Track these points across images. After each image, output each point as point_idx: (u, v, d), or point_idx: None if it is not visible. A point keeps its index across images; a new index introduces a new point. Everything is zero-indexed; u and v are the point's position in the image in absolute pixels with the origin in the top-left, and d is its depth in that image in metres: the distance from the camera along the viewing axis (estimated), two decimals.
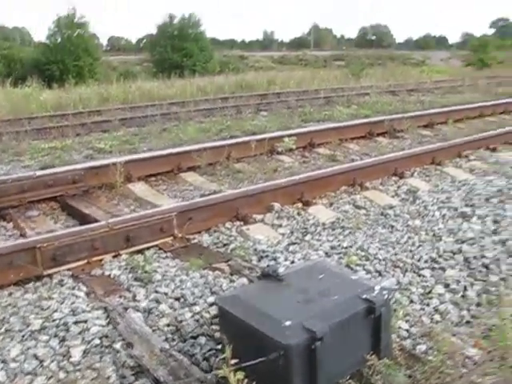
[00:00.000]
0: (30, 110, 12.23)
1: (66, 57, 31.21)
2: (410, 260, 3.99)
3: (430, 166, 6.50)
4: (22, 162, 7.32)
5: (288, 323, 2.17)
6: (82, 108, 12.80)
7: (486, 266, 4.11)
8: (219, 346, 2.71)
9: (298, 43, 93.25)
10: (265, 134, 8.18)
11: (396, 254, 4.06)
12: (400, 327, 3.06)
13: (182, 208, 4.49)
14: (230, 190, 5.42)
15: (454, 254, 4.24)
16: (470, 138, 7.52)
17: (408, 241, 4.34)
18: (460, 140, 7.35)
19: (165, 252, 4.11)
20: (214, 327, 2.94)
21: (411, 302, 3.44)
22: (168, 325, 3.01)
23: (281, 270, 2.79)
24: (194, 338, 2.88)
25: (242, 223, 4.66)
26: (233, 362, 1.99)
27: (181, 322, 3.04)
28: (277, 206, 4.90)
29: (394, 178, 6.04)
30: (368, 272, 3.75)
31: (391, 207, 5.07)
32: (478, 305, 3.55)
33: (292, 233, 4.47)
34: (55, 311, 3.14)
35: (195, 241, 4.35)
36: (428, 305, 3.41)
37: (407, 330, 3.05)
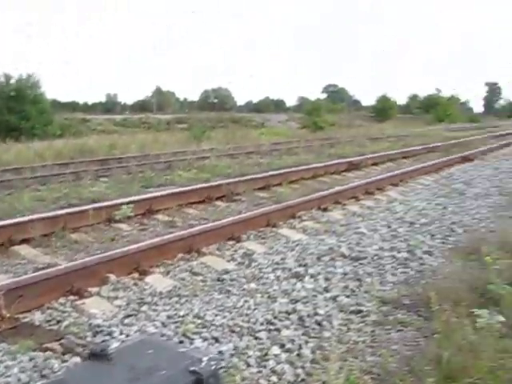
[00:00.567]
0: None
1: None
2: (246, 324, 4.08)
3: (266, 229, 6.73)
4: None
5: None
6: None
7: (319, 323, 4.32)
8: None
9: (141, 106, 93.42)
10: (103, 201, 8.05)
11: (233, 319, 4.14)
12: None
13: (11, 285, 4.27)
14: (65, 263, 5.25)
15: (289, 313, 4.40)
16: (303, 199, 7.94)
17: (244, 304, 4.44)
18: (294, 201, 7.73)
19: None
20: None
21: (248, 365, 3.50)
22: None
23: (113, 346, 2.74)
24: None
25: (76, 297, 4.51)
26: None
27: None
28: (113, 277, 4.81)
29: (230, 242, 6.17)
30: (205, 339, 3.78)
31: (227, 272, 5.17)
32: (313, 362, 3.70)
33: (128, 304, 4.39)
34: None
35: (26, 320, 4.13)
36: (265, 367, 3.50)
37: None
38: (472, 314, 4.41)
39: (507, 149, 20.58)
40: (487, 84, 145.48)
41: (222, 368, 3.22)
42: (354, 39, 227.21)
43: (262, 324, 4.14)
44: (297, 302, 4.63)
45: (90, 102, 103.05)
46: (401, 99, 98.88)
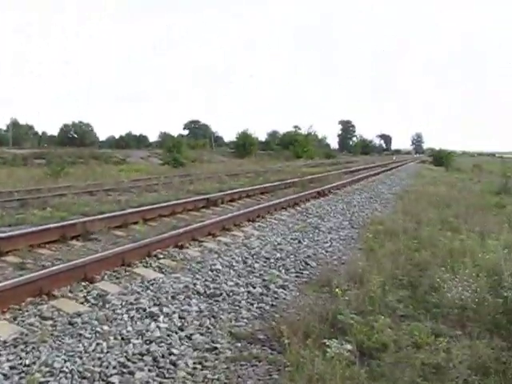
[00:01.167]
0: None
1: None
2: (98, 368, 3.99)
3: (121, 268, 6.61)
4: None
5: None
6: None
7: (174, 363, 4.32)
8: None
9: None
10: None
11: (84, 364, 4.03)
12: None
13: None
14: None
15: (143, 355, 4.37)
16: (159, 237, 7.89)
17: (96, 348, 4.34)
18: (150, 239, 7.67)
19: None
20: None
21: None
22: None
23: None
24: None
25: None
26: None
27: None
28: None
29: (83, 283, 5.99)
30: None
31: (79, 315, 5.02)
32: None
33: None
34: None
35: None
36: None
37: None
38: (323, 344, 4.63)
39: (359, 184, 21.86)
40: (341, 122, 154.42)
41: None
42: (223, 77, 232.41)
43: (114, 368, 4.08)
44: (151, 342, 4.60)
45: None
46: (261, 136, 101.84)
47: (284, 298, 6.18)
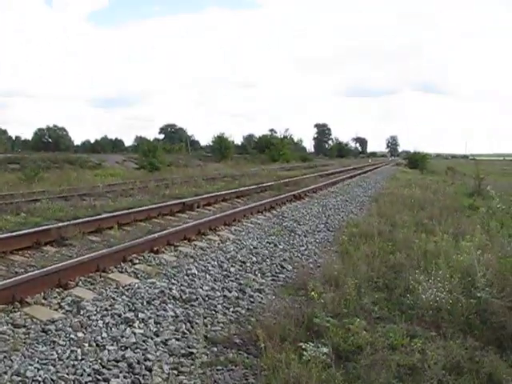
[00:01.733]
0: None
1: None
2: (72, 376, 3.96)
3: (95, 274, 6.54)
4: None
5: None
6: None
7: (150, 369, 4.30)
8: None
9: None
10: None
11: (57, 372, 3.99)
12: None
13: None
14: None
15: (118, 361, 4.34)
16: (134, 242, 7.84)
17: (71, 355, 4.31)
18: (125, 244, 7.61)
19: None
20: None
21: None
22: None
23: None
24: None
25: None
26: None
27: None
28: None
29: (57, 289, 5.92)
30: None
31: (53, 321, 4.96)
32: None
33: None
34: None
35: None
36: None
37: None
38: (299, 347, 4.64)
39: (334, 187, 21.98)
40: (316, 125, 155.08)
41: None
42: (200, 81, 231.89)
43: (89, 375, 4.05)
44: (126, 348, 4.57)
45: None
46: (237, 139, 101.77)
47: (260, 302, 6.19)
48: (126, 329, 4.94)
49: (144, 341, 4.77)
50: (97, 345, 4.56)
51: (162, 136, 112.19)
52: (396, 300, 6.23)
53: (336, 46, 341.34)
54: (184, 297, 5.94)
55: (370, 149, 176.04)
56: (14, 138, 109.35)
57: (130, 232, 9.85)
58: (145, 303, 5.62)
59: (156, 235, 8.35)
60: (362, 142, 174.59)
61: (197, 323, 5.27)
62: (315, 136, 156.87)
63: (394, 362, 4.44)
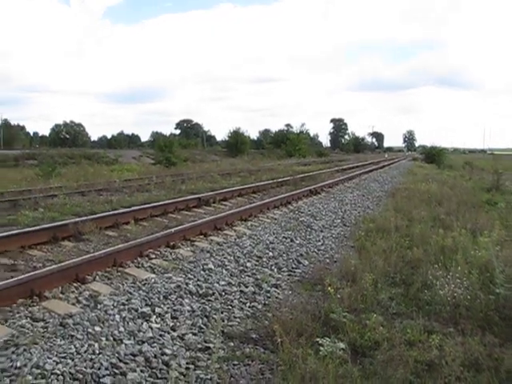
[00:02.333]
0: None
1: None
2: (89, 370, 3.97)
3: (112, 269, 6.58)
4: None
5: None
6: None
7: (166, 363, 4.30)
8: None
9: None
10: None
11: (75, 366, 4.00)
12: None
13: None
14: None
15: (135, 355, 4.35)
16: (151, 237, 7.86)
17: (88, 349, 4.32)
18: (142, 239, 7.64)
19: None
20: None
21: None
22: None
23: None
24: None
25: None
26: None
27: None
28: None
29: (75, 284, 5.96)
30: None
31: (71, 316, 4.98)
32: None
33: None
34: None
35: None
36: None
37: None
38: (316, 343, 4.63)
39: (351, 182, 21.89)
40: (332, 120, 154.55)
41: None
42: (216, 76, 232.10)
43: (106, 369, 4.06)
44: (143, 342, 4.58)
45: None
46: (253, 134, 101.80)
47: (276, 297, 6.18)
48: (142, 323, 4.96)
49: (161, 335, 4.79)
50: (114, 339, 4.58)
51: (178, 131, 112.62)
52: (413, 295, 6.18)
53: (352, 41, 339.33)
54: (201, 291, 5.95)
55: (386, 143, 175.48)
56: (31, 133, 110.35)
57: (147, 227, 9.88)
58: (161, 298, 5.63)
59: (172, 230, 8.38)
60: (379, 136, 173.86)
61: (213, 318, 5.27)
62: (331, 131, 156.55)
63: (412, 357, 4.41)
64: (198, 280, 6.34)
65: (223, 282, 6.36)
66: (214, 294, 5.93)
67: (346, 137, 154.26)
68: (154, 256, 7.33)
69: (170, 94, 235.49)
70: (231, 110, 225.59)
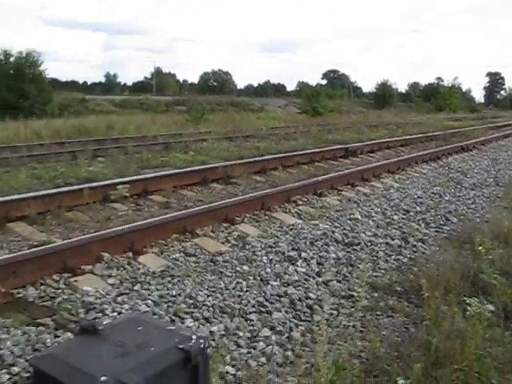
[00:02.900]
0: None
1: None
2: (237, 305, 4.11)
3: (260, 212, 6.74)
4: None
5: (103, 378, 2.15)
6: None
7: (310, 307, 4.35)
8: None
9: (141, 87, 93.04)
10: (99, 181, 8.06)
11: (224, 300, 4.16)
12: (227, 372, 3.14)
13: (6, 261, 4.29)
14: (59, 241, 5.26)
15: (281, 297, 4.44)
16: (299, 184, 7.94)
17: (236, 286, 4.47)
18: (289, 186, 7.73)
19: None
20: None
21: (238, 346, 3.53)
22: None
23: (104, 322, 2.76)
24: None
25: (70, 275, 4.53)
26: None
27: None
28: (106, 256, 4.82)
29: (224, 224, 6.18)
30: (196, 319, 3.81)
31: (221, 254, 5.19)
32: (302, 344, 3.74)
33: (121, 283, 4.42)
34: None
35: (19, 295, 4.15)
36: (255, 348, 3.53)
37: (233, 375, 3.13)
38: (462, 302, 4.45)
39: (506, 140, 20.57)
40: (488, 74, 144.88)
41: (210, 347, 3.25)
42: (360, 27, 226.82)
43: (253, 306, 4.17)
44: (289, 285, 4.66)
45: (89, 82, 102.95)
46: (401, 87, 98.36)
47: (423, 252, 6.00)
48: (288, 266, 5.03)
49: (306, 279, 4.83)
50: (261, 279, 4.69)
51: (324, 81, 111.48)
52: None
53: None
54: (346, 240, 5.93)
55: None
56: (181, 81, 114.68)
57: (293, 174, 9.98)
58: (308, 243, 5.68)
59: (320, 178, 8.39)
60: None
61: (358, 267, 5.24)
62: (486, 85, 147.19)
63: None
64: (344, 229, 6.32)
65: (369, 233, 6.28)
66: (359, 243, 5.88)
67: (503, 92, 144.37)
68: (301, 203, 7.39)
69: (317, 44, 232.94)
70: (379, 62, 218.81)
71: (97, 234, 5.16)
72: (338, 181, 8.61)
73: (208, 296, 4.20)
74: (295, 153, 11.79)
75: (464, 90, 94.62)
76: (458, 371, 3.25)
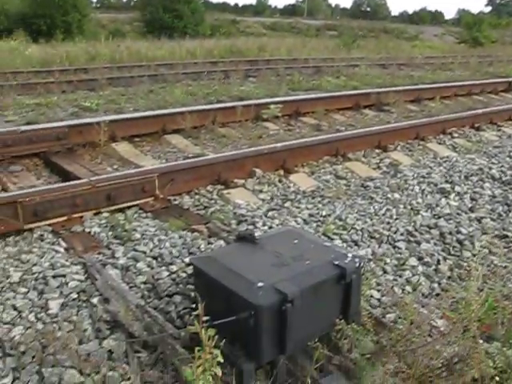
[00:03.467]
0: (15, 64, 12.03)
1: (54, 11, 30.22)
2: (386, 232, 4.04)
3: (414, 141, 6.52)
4: (5, 117, 7.24)
5: (260, 284, 2.21)
6: (69, 65, 12.64)
7: (460, 242, 4.18)
8: (194, 305, 2.75)
9: (292, 10, 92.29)
10: (251, 100, 8.15)
11: (373, 225, 4.10)
12: (372, 296, 3.12)
13: (165, 169, 4.51)
14: (213, 154, 5.43)
15: (430, 228, 4.30)
16: (455, 116, 7.54)
17: (386, 213, 4.38)
18: (445, 117, 7.37)
19: (145, 212, 4.13)
20: (189, 287, 2.98)
21: (384, 272, 3.49)
22: (144, 282, 3.05)
23: (257, 234, 2.83)
24: (170, 296, 2.92)
25: (223, 187, 4.68)
26: (205, 319, 2.02)
27: (157, 280, 3.07)
28: (258, 171, 4.91)
29: (377, 150, 6.05)
30: (344, 241, 3.80)
31: (372, 179, 5.10)
32: (449, 278, 3.62)
33: (272, 199, 4.50)
34: (34, 265, 3.17)
35: (176, 202, 4.37)
36: (401, 276, 3.47)
37: (378, 299, 3.10)
38: None
39: None
40: None
41: (364, 267, 3.24)
42: None
43: (402, 234, 4.07)
44: (440, 217, 4.49)
45: (240, 4, 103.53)
46: None
47: None
48: (441, 199, 4.84)
49: (458, 214, 4.63)
50: (411, 208, 4.56)
51: (488, 9, 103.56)
52: None
53: None
54: (504, 178, 5.56)
55: None
56: (333, 5, 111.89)
57: (450, 105, 9.49)
58: (462, 177, 5.41)
59: (478, 111, 7.90)
60: None
61: None
62: None
63: None
64: (503, 166, 5.93)
65: None
66: None
67: None
68: (456, 135, 7.02)
69: None
70: None
71: (250, 149, 5.25)
72: (498, 116, 8.05)
73: (357, 220, 4.16)
74: (452, 83, 11.17)
75: None
76: None
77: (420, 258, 3.77)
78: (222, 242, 3.57)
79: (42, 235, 3.65)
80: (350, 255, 2.53)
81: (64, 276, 3.04)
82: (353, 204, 4.48)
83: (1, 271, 3.10)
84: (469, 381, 2.31)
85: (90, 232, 3.74)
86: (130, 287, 2.99)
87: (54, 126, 5.75)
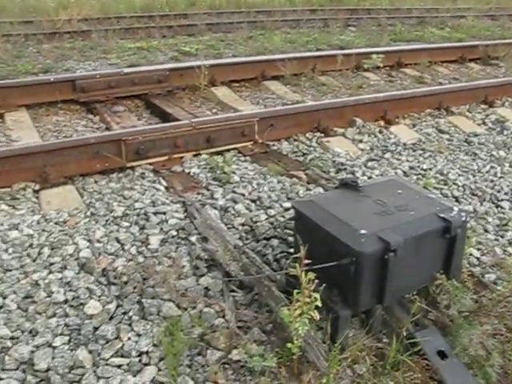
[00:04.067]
0: (119, 9, 12.27)
1: None
2: (489, 190, 3.90)
3: None
4: (108, 60, 7.46)
5: (363, 232, 2.19)
6: (169, 11, 12.74)
7: None
8: (291, 250, 2.79)
9: None
10: (352, 49, 7.96)
11: (476, 183, 3.98)
12: (472, 254, 3.04)
13: (265, 114, 4.53)
14: (313, 102, 5.39)
15: None
16: None
17: (490, 171, 4.22)
18: None
19: (244, 156, 4.19)
20: (287, 231, 3.01)
21: (486, 231, 3.39)
22: (243, 224, 3.11)
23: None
24: (267, 239, 2.97)
25: (322, 135, 4.65)
26: (305, 262, 2.03)
27: (255, 222, 3.12)
28: (359, 121, 4.84)
29: (482, 105, 5.79)
30: (445, 196, 3.70)
31: (476, 135, 4.91)
32: None
33: (372, 149, 4.43)
34: (136, 201, 3.30)
35: (275, 147, 4.40)
36: (503, 236, 3.36)
37: (478, 258, 3.03)
38: None
39: None
40: None
41: (469, 222, 3.16)
42: None
43: (506, 194, 3.92)
44: None
45: None
46: None
47: None
48: None
49: None
50: None
51: None
52: None
53: None
54: None
55: None
56: None
57: None
58: None
59: None
60: None
61: None
62: None
63: None
64: None
65: None
66: None
67: None
68: None
69: None
70: None
71: (351, 98, 5.17)
72: None
73: (459, 175, 4.04)
74: None
75: None
76: None
77: None
78: (320, 189, 3.57)
79: (143, 173, 3.79)
80: (456, 208, 2.46)
81: (164, 213, 3.16)
82: (455, 159, 4.35)
83: (105, 205, 3.26)
84: None
85: (189, 173, 3.85)
86: (228, 228, 3.06)
87: (155, 69, 5.89)
